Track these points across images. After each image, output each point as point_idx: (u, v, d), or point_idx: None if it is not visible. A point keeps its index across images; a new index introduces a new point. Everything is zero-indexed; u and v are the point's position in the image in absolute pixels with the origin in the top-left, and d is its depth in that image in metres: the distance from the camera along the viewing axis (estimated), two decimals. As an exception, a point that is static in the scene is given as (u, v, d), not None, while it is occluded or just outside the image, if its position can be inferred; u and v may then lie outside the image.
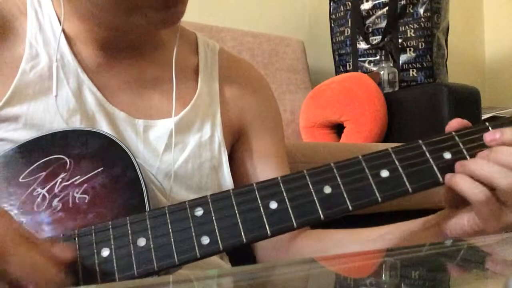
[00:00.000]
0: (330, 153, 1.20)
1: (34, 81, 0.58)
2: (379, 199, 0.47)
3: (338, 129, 1.88)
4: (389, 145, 0.51)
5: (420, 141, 0.49)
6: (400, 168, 0.48)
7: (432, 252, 0.47)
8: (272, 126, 0.73)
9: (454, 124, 0.52)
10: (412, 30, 1.92)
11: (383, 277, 0.39)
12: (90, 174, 0.50)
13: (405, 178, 0.47)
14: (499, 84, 2.68)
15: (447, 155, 0.49)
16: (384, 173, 0.47)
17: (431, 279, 0.39)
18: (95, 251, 0.45)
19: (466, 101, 1.64)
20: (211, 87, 0.69)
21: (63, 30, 0.61)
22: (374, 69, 1.97)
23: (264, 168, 0.70)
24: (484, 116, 1.79)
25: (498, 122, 0.51)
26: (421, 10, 1.92)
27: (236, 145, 0.71)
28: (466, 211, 0.50)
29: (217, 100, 0.68)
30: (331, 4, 2.13)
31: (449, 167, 0.48)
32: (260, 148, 0.70)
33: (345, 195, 0.46)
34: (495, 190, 0.47)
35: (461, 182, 0.47)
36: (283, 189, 0.47)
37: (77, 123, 0.58)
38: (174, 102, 0.63)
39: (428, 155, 0.49)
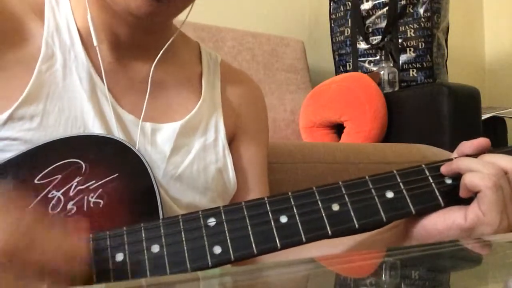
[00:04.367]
0: (330, 153, 1.20)
1: (49, 82, 0.58)
2: (384, 219, 0.49)
3: (338, 129, 1.88)
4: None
5: (423, 165, 0.52)
6: (404, 190, 0.50)
7: (432, 252, 0.47)
8: (260, 136, 0.77)
9: (463, 148, 0.54)
10: (412, 30, 1.92)
11: (383, 277, 0.39)
12: (106, 180, 0.51)
13: (408, 200, 0.49)
14: (499, 84, 2.68)
15: (449, 180, 0.51)
16: (389, 194, 0.50)
17: (431, 279, 0.39)
18: (109, 255, 0.45)
19: (466, 101, 1.64)
20: (214, 94, 0.71)
21: (79, 32, 0.62)
22: (374, 69, 1.97)
23: (247, 174, 0.72)
24: (484, 116, 1.79)
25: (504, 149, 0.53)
26: (421, 10, 1.92)
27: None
28: (458, 208, 0.50)
29: (219, 106, 0.71)
30: (331, 4, 2.13)
31: (450, 192, 0.50)
32: (246, 155, 0.73)
33: (352, 214, 0.48)
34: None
35: (468, 175, 0.49)
36: (293, 204, 0.48)
37: (90, 125, 0.58)
38: (144, 107, 0.64)
39: (430, 179, 0.51)
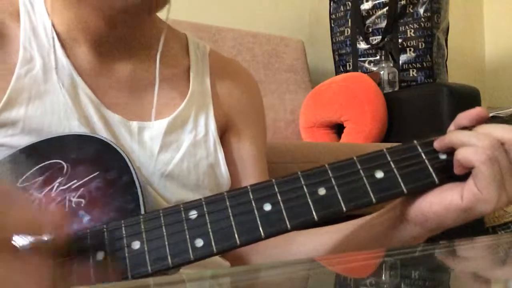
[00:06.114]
0: (330, 153, 1.20)
1: (30, 85, 0.58)
2: (374, 200, 0.46)
3: (338, 129, 1.88)
4: (388, 145, 0.51)
5: (416, 142, 0.49)
6: (395, 169, 0.47)
7: (432, 252, 0.47)
8: (254, 127, 0.74)
9: (459, 120, 0.50)
10: (412, 30, 1.92)
11: (383, 277, 0.39)
12: (86, 179, 0.51)
13: (399, 179, 0.47)
14: (499, 84, 2.68)
15: (443, 156, 0.48)
16: (379, 174, 0.47)
17: (431, 279, 0.39)
18: (90, 254, 0.45)
19: (466, 101, 1.64)
20: (203, 87, 0.70)
21: (57, 33, 0.61)
22: (374, 69, 1.97)
23: (241, 168, 0.70)
24: (484, 116, 1.79)
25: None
26: (421, 10, 1.92)
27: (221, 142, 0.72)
28: (454, 187, 0.47)
29: (209, 99, 0.69)
30: (331, 4, 2.13)
31: (444, 168, 0.48)
32: (239, 147, 0.71)
33: (339, 197, 0.46)
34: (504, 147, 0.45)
35: (460, 150, 0.46)
36: (277, 191, 0.46)
37: (75, 126, 0.58)
38: (155, 103, 0.63)
39: (423, 156, 0.48)
